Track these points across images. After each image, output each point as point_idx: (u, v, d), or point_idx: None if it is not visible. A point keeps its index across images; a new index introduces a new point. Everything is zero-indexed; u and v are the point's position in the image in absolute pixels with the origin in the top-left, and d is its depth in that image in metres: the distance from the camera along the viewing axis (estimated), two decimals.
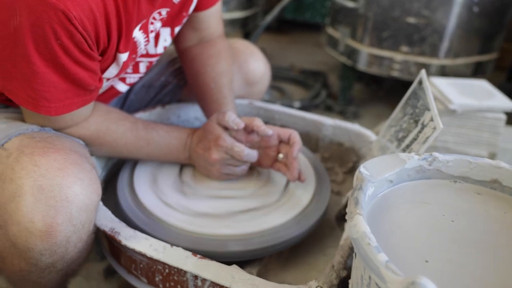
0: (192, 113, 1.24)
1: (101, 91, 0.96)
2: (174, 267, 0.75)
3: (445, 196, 0.68)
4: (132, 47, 0.87)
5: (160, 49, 0.99)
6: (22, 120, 0.84)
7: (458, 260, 0.56)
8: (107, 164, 1.06)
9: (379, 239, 0.59)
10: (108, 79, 0.90)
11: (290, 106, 2.05)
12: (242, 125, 0.92)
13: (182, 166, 1.03)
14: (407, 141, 0.85)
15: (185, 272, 0.74)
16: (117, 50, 0.83)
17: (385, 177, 0.68)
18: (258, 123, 0.93)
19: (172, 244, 0.76)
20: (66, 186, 0.69)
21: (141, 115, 1.14)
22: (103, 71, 0.86)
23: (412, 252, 0.58)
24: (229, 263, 0.77)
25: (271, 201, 0.93)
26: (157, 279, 0.80)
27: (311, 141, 1.20)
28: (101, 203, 0.84)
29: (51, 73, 0.72)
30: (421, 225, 0.63)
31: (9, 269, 0.74)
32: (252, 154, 0.91)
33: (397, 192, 0.69)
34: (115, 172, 1.06)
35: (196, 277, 0.73)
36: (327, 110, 2.15)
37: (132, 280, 0.85)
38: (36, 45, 0.69)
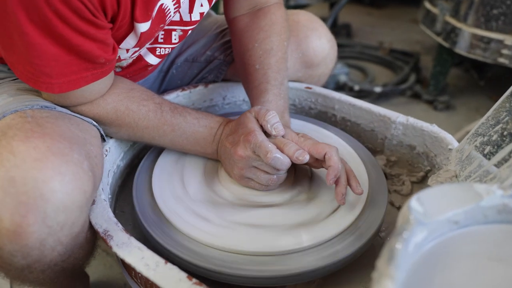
0: (240, 94, 1.08)
1: (126, 62, 0.85)
2: None
3: None
4: (159, 16, 0.74)
5: (195, 16, 0.84)
6: (39, 92, 0.75)
7: None
8: (133, 147, 0.95)
9: None
10: (128, 50, 0.78)
11: (370, 90, 1.81)
12: (281, 133, 0.75)
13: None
14: (494, 160, 0.62)
15: None
16: (133, 19, 0.70)
17: (447, 216, 0.48)
18: (290, 150, 0.73)
19: (167, 261, 0.62)
20: (42, 181, 0.58)
21: (179, 93, 1.01)
22: (119, 41, 0.74)
23: None
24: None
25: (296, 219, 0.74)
26: None
27: (376, 140, 0.98)
28: (102, 197, 0.73)
29: (49, 44, 0.62)
30: None
31: None
32: (282, 161, 0.72)
33: (464, 240, 0.49)
34: (142, 157, 0.94)
35: None
36: (414, 97, 1.88)
37: (134, 287, 0.74)
38: (27, 13, 0.59)
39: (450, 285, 0.45)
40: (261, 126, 0.76)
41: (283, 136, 0.77)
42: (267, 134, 0.76)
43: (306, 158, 0.72)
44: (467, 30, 1.62)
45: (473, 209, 0.48)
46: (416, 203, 0.47)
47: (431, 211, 0.47)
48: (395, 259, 0.41)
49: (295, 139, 0.76)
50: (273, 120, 0.75)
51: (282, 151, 0.73)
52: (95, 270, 1.10)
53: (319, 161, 0.76)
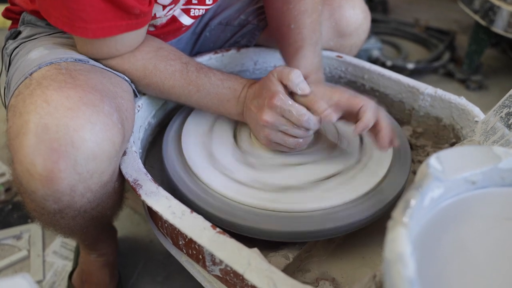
0: (272, 60, 1.09)
1: (160, 21, 0.87)
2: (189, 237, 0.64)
3: None
4: None
5: None
6: (74, 46, 0.78)
7: None
8: (164, 106, 0.98)
9: (429, 265, 0.43)
10: (164, 7, 0.80)
11: (402, 66, 1.80)
12: (307, 91, 0.75)
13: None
14: None
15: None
16: None
17: (464, 176, 0.49)
18: (319, 108, 0.73)
19: (192, 210, 0.66)
20: (73, 129, 0.60)
21: (212, 56, 1.03)
22: None
23: None
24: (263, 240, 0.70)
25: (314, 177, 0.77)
26: (180, 243, 0.71)
27: (403, 111, 0.99)
28: (133, 148, 0.76)
29: None
30: (502, 255, 0.45)
31: (27, 206, 0.70)
32: (314, 121, 0.74)
33: (479, 200, 0.51)
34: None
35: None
36: (446, 76, 1.85)
37: (160, 237, 0.78)
38: None
39: (462, 242, 0.46)
40: (285, 86, 0.75)
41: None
42: (292, 94, 0.76)
43: (334, 118, 0.72)
44: (506, 9, 1.58)
45: (491, 171, 0.50)
46: (435, 161, 0.49)
47: (449, 170, 0.49)
48: (410, 209, 0.43)
49: (326, 94, 0.75)
50: (297, 80, 0.74)
51: (310, 109, 0.74)
52: (123, 226, 1.15)
53: (353, 116, 0.75)
